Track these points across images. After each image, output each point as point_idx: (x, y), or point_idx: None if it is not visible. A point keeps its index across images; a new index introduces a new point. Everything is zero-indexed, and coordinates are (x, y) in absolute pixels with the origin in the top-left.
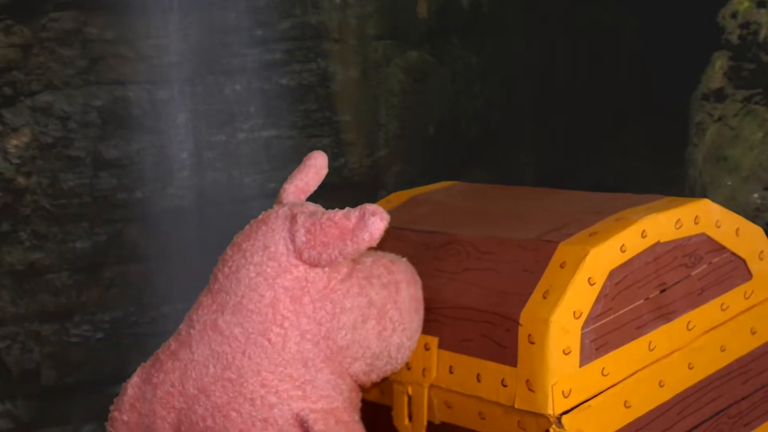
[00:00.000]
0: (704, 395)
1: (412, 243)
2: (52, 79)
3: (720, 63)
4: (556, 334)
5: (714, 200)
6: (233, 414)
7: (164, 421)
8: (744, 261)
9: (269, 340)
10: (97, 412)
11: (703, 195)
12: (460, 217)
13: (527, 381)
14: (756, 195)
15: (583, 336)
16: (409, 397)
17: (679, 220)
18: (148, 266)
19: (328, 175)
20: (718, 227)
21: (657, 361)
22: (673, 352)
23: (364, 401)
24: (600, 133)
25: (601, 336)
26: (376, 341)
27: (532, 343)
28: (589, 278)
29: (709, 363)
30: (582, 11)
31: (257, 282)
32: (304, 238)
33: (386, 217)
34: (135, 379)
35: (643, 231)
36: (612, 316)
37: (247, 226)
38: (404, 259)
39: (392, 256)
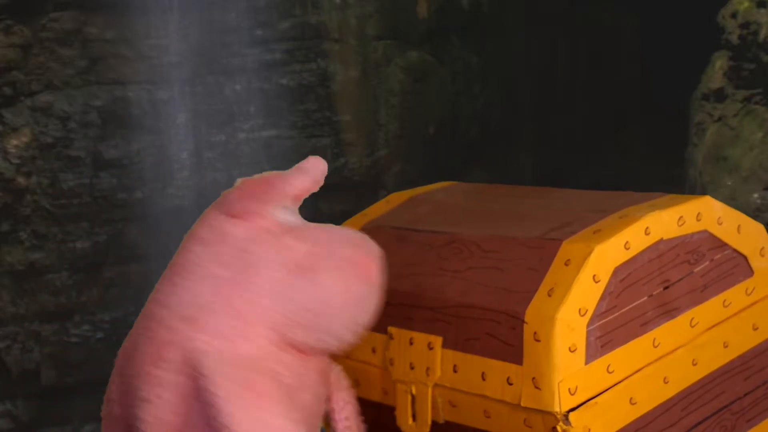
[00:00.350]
0: (708, 391)
1: (415, 243)
2: (52, 79)
3: (720, 63)
4: (561, 332)
5: None
6: (138, 356)
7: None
8: (745, 258)
9: (177, 284)
10: (97, 412)
11: (703, 194)
12: (461, 216)
13: (533, 379)
14: (756, 195)
15: (588, 333)
16: (413, 397)
17: (681, 217)
18: (148, 266)
19: (328, 176)
20: (720, 224)
21: (661, 357)
22: (677, 348)
23: (367, 401)
24: (600, 133)
25: (606, 333)
26: (300, 301)
27: (538, 340)
28: (594, 275)
29: (713, 359)
30: (582, 11)
31: (186, 242)
32: (233, 194)
33: (324, 161)
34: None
35: (647, 228)
36: (617, 314)
37: None
38: (364, 235)
39: (352, 231)
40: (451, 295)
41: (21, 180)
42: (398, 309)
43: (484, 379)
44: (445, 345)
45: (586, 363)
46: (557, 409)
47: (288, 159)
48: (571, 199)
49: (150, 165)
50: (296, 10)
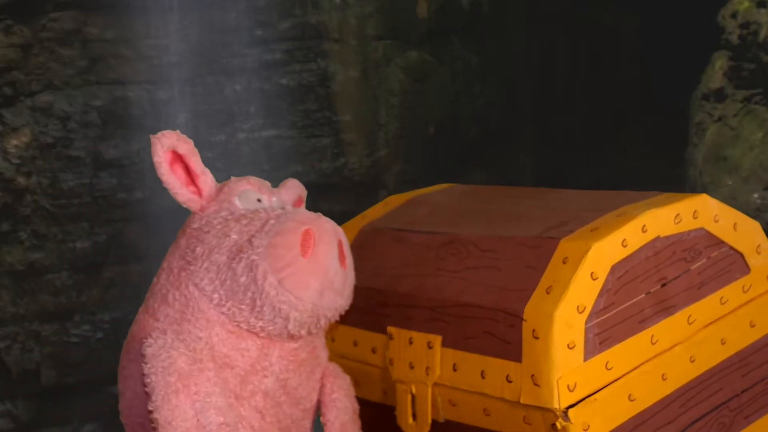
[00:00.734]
0: (706, 388)
1: (413, 244)
2: (52, 79)
3: (720, 63)
4: (560, 329)
5: None
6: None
7: None
8: (742, 255)
9: (154, 283)
10: (97, 412)
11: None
12: (459, 217)
13: (532, 376)
14: (756, 195)
15: (586, 330)
16: (413, 396)
17: (678, 214)
18: (148, 266)
19: (328, 175)
20: (717, 222)
21: (659, 354)
22: (675, 345)
23: (367, 402)
24: (600, 133)
25: (605, 330)
26: (243, 284)
27: (537, 338)
28: (592, 273)
29: (710, 356)
30: (582, 11)
31: None
32: None
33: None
34: None
35: (644, 226)
36: (615, 311)
37: None
38: (317, 215)
39: (305, 212)
40: (449, 295)
41: (21, 180)
42: (397, 309)
43: (483, 378)
44: (444, 344)
45: (585, 360)
46: (556, 406)
47: (288, 159)
48: (568, 199)
49: (150, 165)
50: (296, 10)
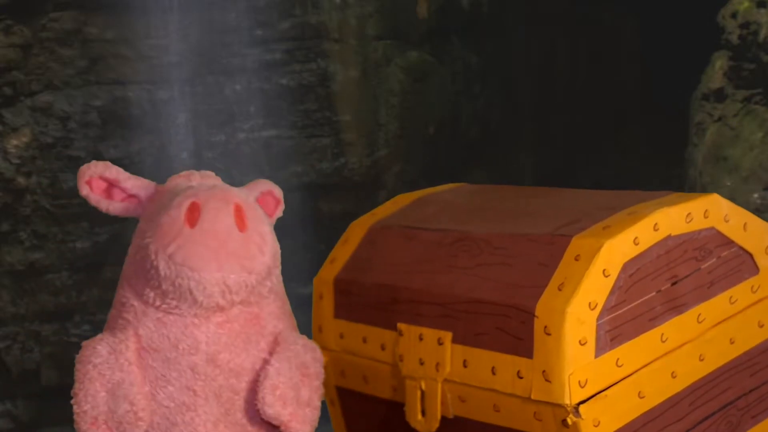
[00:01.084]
0: (714, 387)
1: (424, 241)
2: (52, 79)
3: (720, 63)
4: (572, 325)
5: None
6: None
7: None
8: (751, 255)
9: None
10: None
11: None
12: (470, 215)
13: (543, 372)
14: (756, 195)
15: (598, 327)
16: (423, 392)
17: (689, 213)
18: None
19: (328, 175)
20: (727, 221)
21: (669, 352)
22: (685, 343)
23: (377, 398)
24: (600, 133)
25: (616, 327)
26: (141, 258)
27: (548, 334)
28: (604, 270)
29: (719, 355)
30: (582, 11)
31: None
32: None
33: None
34: None
35: (656, 224)
36: (626, 308)
37: None
38: (211, 186)
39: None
40: (460, 291)
41: (21, 180)
42: (408, 305)
43: (494, 374)
44: (454, 340)
45: (596, 356)
46: (567, 402)
47: (288, 159)
48: (579, 197)
49: (150, 165)
50: (296, 10)
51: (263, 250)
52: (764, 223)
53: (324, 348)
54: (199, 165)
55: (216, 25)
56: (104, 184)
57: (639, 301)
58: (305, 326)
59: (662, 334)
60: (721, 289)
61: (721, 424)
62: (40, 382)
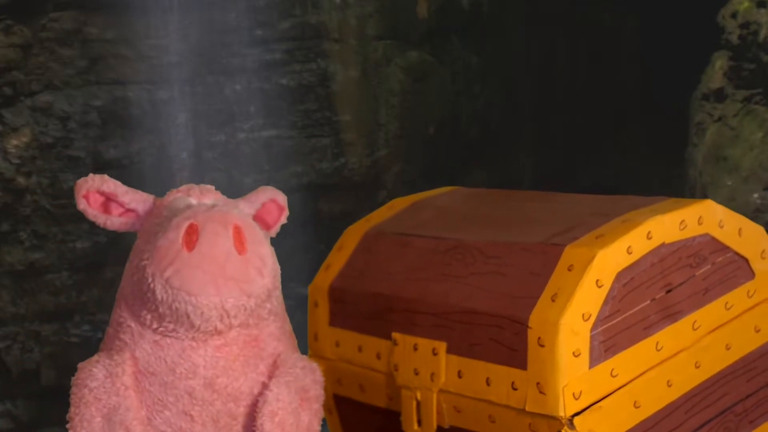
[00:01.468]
0: (711, 394)
1: (418, 248)
2: (52, 79)
3: (720, 63)
4: (565, 337)
5: (714, 200)
6: None
7: None
8: (747, 260)
9: None
10: None
11: (703, 195)
12: (464, 222)
13: (538, 383)
14: (756, 195)
15: (592, 338)
16: (418, 402)
17: (683, 221)
18: None
19: (328, 175)
20: (722, 227)
21: (664, 361)
22: (680, 351)
23: (372, 407)
24: (600, 133)
25: (610, 337)
26: (133, 281)
27: (542, 345)
28: (597, 280)
29: (715, 362)
30: (582, 11)
31: None
32: None
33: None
34: None
35: (649, 232)
36: (620, 318)
37: None
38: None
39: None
40: (455, 301)
41: (21, 180)
42: (402, 315)
43: (488, 385)
44: (449, 351)
45: (590, 367)
46: (562, 414)
47: (288, 159)
48: (572, 203)
49: (150, 165)
50: (296, 10)
51: (263, 272)
52: (759, 227)
53: (320, 356)
54: (199, 165)
55: (216, 25)
56: (101, 198)
57: (633, 311)
58: (304, 325)
59: (657, 343)
60: (717, 295)
61: (718, 431)
62: (40, 382)
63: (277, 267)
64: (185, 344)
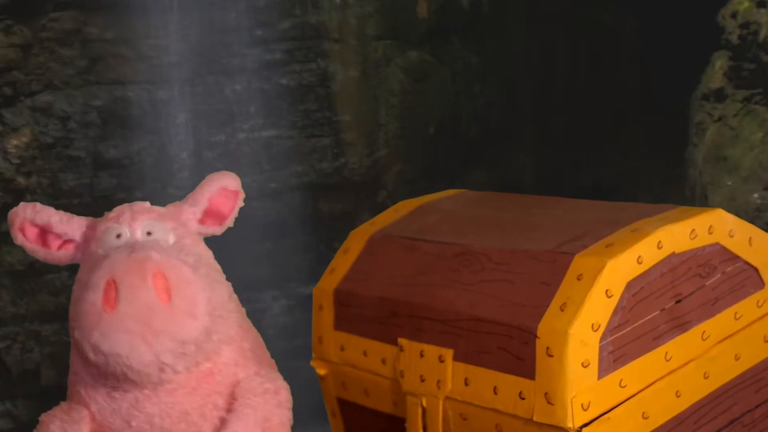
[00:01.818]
0: (719, 404)
1: (424, 253)
2: (52, 79)
3: (720, 63)
4: (574, 347)
5: (714, 200)
6: None
7: None
8: (756, 270)
9: None
10: None
11: (704, 195)
12: (471, 227)
13: (546, 394)
14: (756, 195)
15: (601, 348)
16: (424, 409)
17: (693, 230)
18: None
19: (328, 175)
20: (732, 237)
21: (673, 371)
22: (689, 362)
23: (377, 412)
24: (600, 133)
25: (619, 348)
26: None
27: (551, 356)
28: (607, 290)
29: (724, 372)
30: (582, 11)
31: None
32: None
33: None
34: None
35: (659, 242)
36: (629, 328)
37: None
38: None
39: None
40: (462, 308)
41: (21, 180)
42: (408, 320)
43: (496, 393)
44: (456, 358)
45: (599, 378)
46: (570, 425)
47: (288, 159)
48: (581, 210)
49: (150, 165)
50: (296, 10)
51: (194, 314)
52: None
53: (325, 359)
54: (199, 165)
55: (216, 25)
56: (36, 229)
57: (642, 321)
58: (304, 325)
59: (666, 353)
60: (726, 305)
61: None
62: (40, 382)
63: (215, 294)
64: (137, 395)
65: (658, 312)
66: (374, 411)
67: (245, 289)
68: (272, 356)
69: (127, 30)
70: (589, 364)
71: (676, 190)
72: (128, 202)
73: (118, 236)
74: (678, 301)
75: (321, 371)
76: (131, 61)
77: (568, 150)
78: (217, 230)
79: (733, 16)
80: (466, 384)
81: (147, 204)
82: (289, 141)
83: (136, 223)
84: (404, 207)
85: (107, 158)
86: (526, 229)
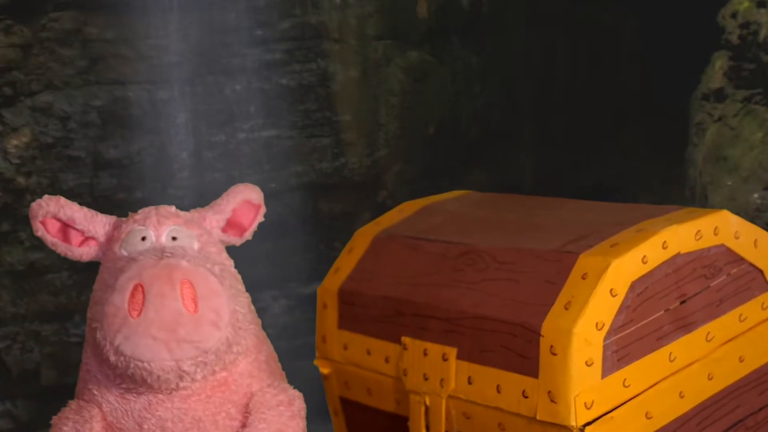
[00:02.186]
0: (723, 406)
1: (428, 252)
2: (52, 79)
3: (720, 63)
4: (578, 346)
5: (714, 200)
6: None
7: None
8: (762, 272)
9: None
10: None
11: (703, 195)
12: (476, 227)
13: (549, 392)
14: (756, 195)
15: (605, 347)
16: (427, 408)
17: (699, 231)
18: None
19: (328, 175)
20: (737, 238)
21: (677, 372)
22: (693, 363)
23: (380, 411)
24: (600, 133)
25: (623, 347)
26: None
27: (555, 354)
28: (611, 290)
29: (728, 374)
30: (582, 11)
31: None
32: None
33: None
34: None
35: (664, 242)
36: (633, 328)
37: None
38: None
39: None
40: (465, 307)
41: (21, 180)
42: (412, 319)
43: (499, 392)
44: (459, 356)
45: (603, 377)
46: (573, 423)
47: (288, 159)
48: (586, 210)
49: (150, 165)
50: (296, 10)
51: (218, 325)
52: None
53: (328, 359)
54: (199, 165)
55: (216, 25)
56: (58, 223)
57: (647, 321)
58: (304, 325)
59: (670, 354)
60: (731, 306)
61: None
62: (40, 382)
63: (237, 308)
64: (150, 398)
65: (662, 312)
66: (377, 410)
67: (245, 289)
68: None
69: (127, 30)
70: (592, 363)
71: (676, 190)
72: (128, 202)
73: (143, 239)
74: (683, 302)
75: (324, 370)
76: (131, 61)
77: (568, 150)
78: (236, 241)
79: (733, 16)
80: (470, 382)
81: (173, 208)
82: (289, 141)
83: (162, 227)
84: (409, 207)
85: (107, 158)
86: (531, 229)
